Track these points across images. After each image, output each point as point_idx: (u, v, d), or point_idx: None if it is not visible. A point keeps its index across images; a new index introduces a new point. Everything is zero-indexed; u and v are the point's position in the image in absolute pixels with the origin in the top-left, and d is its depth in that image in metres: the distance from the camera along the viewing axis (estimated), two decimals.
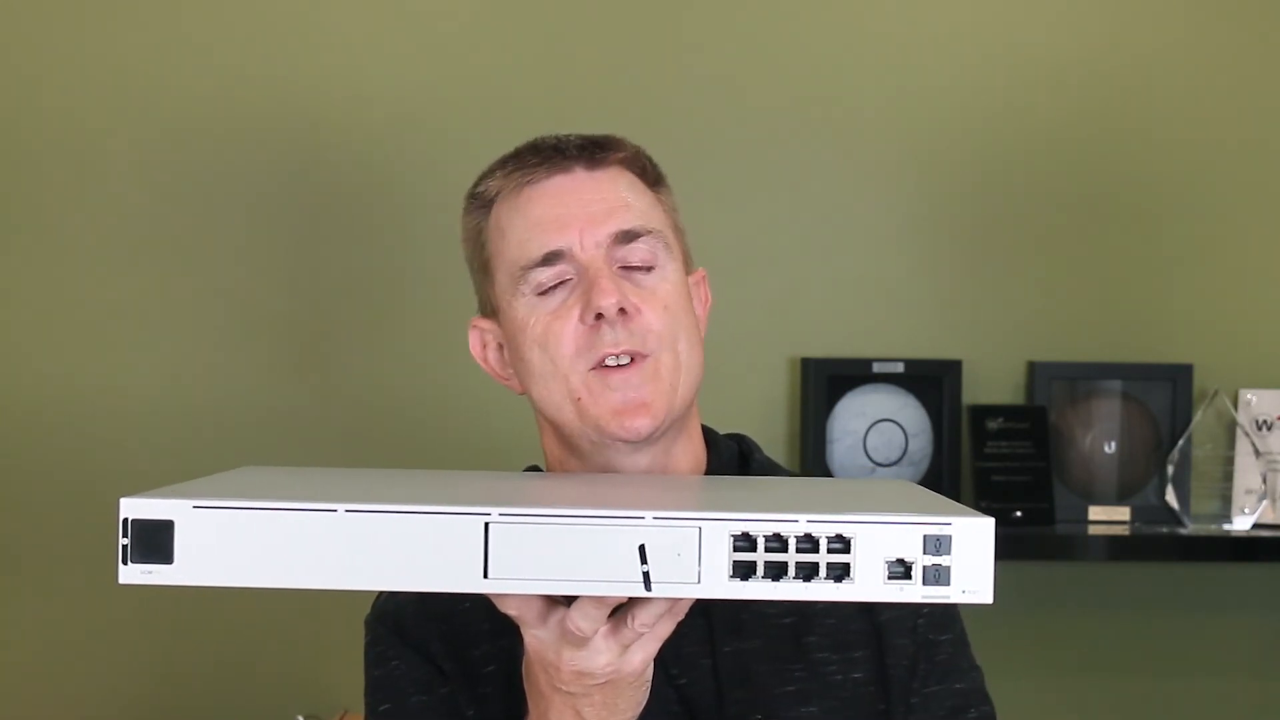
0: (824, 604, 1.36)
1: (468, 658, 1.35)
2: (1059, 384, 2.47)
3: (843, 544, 0.99)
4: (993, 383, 2.48)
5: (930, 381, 2.45)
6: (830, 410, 2.43)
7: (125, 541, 0.98)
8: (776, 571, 0.99)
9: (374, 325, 2.41)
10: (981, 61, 2.47)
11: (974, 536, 0.99)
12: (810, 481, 1.43)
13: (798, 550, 0.98)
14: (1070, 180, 2.47)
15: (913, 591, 0.99)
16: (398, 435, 2.39)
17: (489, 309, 1.41)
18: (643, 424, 1.30)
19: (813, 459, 2.40)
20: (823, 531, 0.98)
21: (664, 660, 1.17)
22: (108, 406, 2.38)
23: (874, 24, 2.45)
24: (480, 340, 1.43)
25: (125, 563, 0.98)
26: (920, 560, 0.99)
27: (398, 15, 2.41)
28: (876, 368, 2.43)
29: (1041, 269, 2.48)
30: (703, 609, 1.34)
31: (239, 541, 0.98)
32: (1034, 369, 2.46)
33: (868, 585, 0.99)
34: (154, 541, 0.98)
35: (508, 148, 1.44)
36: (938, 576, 0.99)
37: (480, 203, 1.40)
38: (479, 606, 1.31)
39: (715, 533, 0.98)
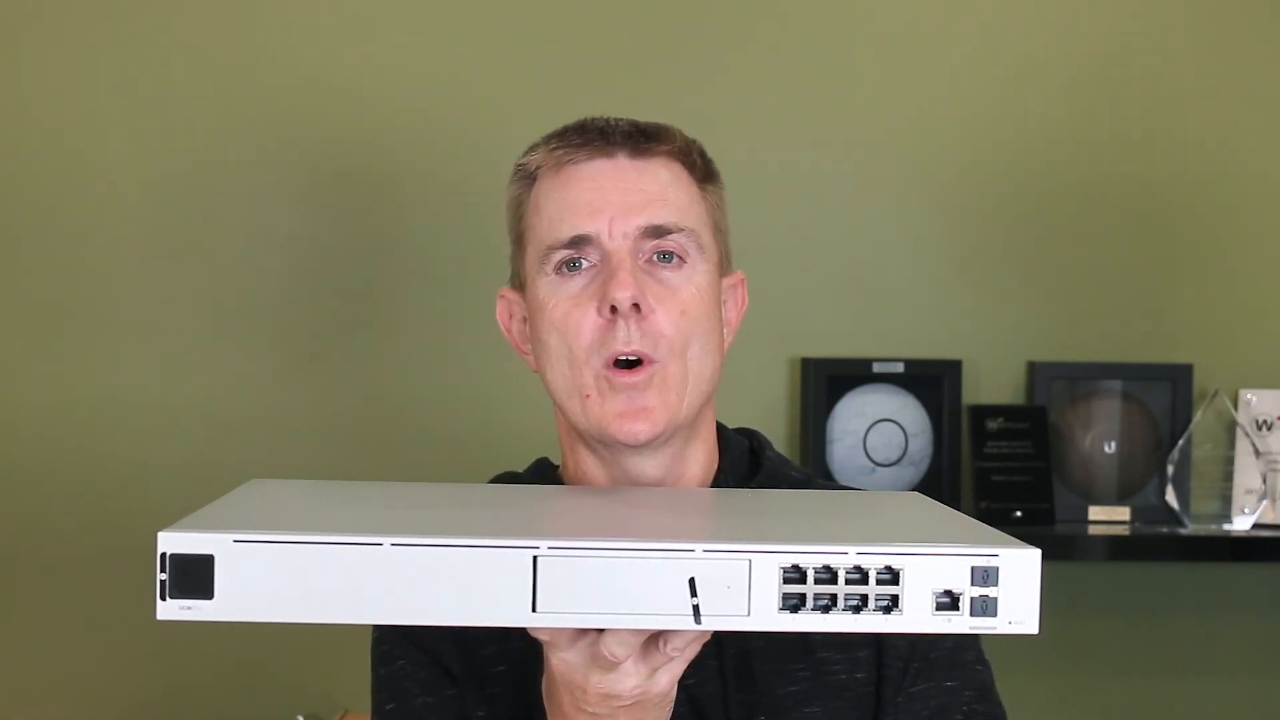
0: None
1: (477, 658, 1.34)
2: (1059, 384, 2.47)
3: (891, 576, 0.98)
4: (993, 383, 2.48)
5: (930, 381, 2.45)
6: (830, 410, 2.42)
7: (163, 577, 0.96)
8: (826, 604, 0.98)
9: (377, 327, 2.39)
10: (982, 64, 2.46)
11: (1021, 567, 0.99)
12: (832, 495, 1.42)
13: (847, 582, 0.98)
14: (1070, 181, 2.48)
15: (960, 623, 0.99)
16: (401, 436, 2.38)
17: (518, 281, 1.40)
18: (641, 429, 1.29)
19: (813, 459, 2.40)
20: (872, 564, 0.98)
21: None
22: (110, 408, 2.36)
23: (874, 27, 2.45)
24: (507, 310, 1.43)
25: (164, 598, 0.96)
26: (968, 592, 0.99)
27: (399, 17, 2.39)
28: (876, 368, 2.43)
29: (1041, 269, 2.48)
30: None
31: (281, 576, 0.96)
32: (1034, 369, 2.46)
33: (916, 617, 0.99)
34: (194, 577, 0.96)
35: (513, 150, 1.43)
36: (985, 608, 0.99)
37: (522, 175, 1.39)
38: None
39: (766, 565, 0.98)
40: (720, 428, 1.45)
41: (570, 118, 1.41)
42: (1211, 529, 2.42)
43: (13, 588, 2.38)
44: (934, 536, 1.03)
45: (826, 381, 2.42)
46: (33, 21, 2.35)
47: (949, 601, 0.99)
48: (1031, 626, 1.00)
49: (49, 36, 2.35)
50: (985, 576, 0.99)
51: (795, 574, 0.98)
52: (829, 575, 0.98)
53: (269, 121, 2.37)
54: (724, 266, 1.41)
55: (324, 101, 2.38)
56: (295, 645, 2.40)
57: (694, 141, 1.40)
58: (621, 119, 1.37)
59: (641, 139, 1.35)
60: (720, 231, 1.41)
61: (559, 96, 2.38)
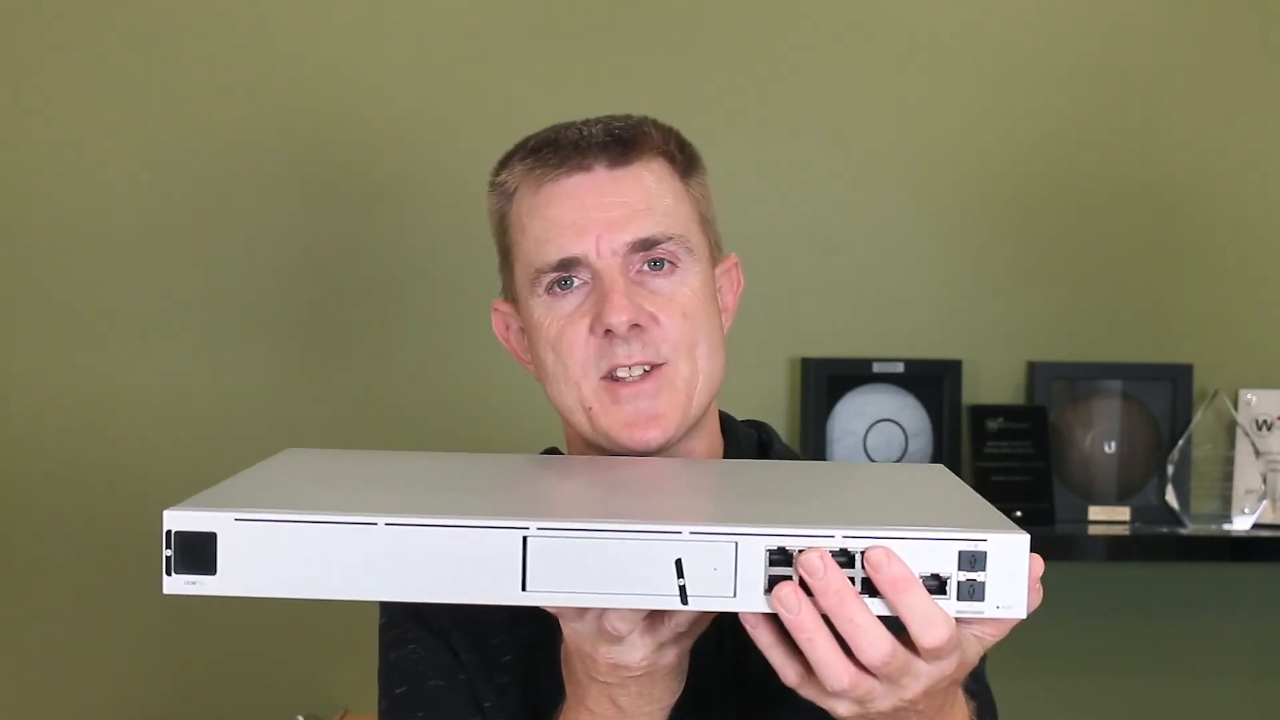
0: None
1: (486, 647, 1.34)
2: (1059, 384, 2.47)
3: None
4: (993, 383, 2.48)
5: (930, 381, 2.45)
6: (830, 410, 2.43)
7: (169, 553, 0.98)
8: None
9: (377, 326, 2.40)
10: (983, 63, 2.47)
11: (1009, 552, 0.98)
12: (845, 470, 1.41)
13: None
14: (1071, 181, 2.48)
15: (947, 606, 0.98)
16: (401, 434, 2.38)
17: (510, 294, 1.39)
18: (653, 436, 1.30)
19: (813, 459, 2.40)
20: (858, 547, 0.98)
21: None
22: (112, 407, 2.37)
23: (875, 25, 2.45)
24: (503, 323, 1.42)
25: (169, 574, 0.99)
26: (955, 576, 0.98)
27: (401, 17, 2.39)
28: (876, 368, 2.43)
29: (1041, 269, 2.48)
30: None
31: (281, 553, 0.98)
32: (1034, 369, 2.46)
33: None
34: (197, 553, 0.98)
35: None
36: (972, 592, 0.98)
37: (500, 191, 1.37)
38: None
39: (751, 548, 0.98)
40: (728, 419, 1.45)
41: (579, 112, 1.39)
42: (1211, 529, 2.42)
43: (15, 586, 2.38)
44: (926, 518, 1.02)
45: (826, 381, 2.42)
46: (36, 21, 2.35)
47: (936, 585, 0.98)
48: (1019, 611, 0.99)
49: (52, 36, 2.36)
50: (973, 561, 0.98)
51: (781, 556, 0.98)
52: None
53: (271, 122, 2.38)
54: (715, 256, 1.39)
55: (325, 103, 2.38)
56: (295, 645, 2.40)
57: (671, 131, 1.37)
58: (595, 124, 1.34)
59: (618, 148, 1.32)
60: (708, 222, 1.38)
61: (559, 98, 2.38)
